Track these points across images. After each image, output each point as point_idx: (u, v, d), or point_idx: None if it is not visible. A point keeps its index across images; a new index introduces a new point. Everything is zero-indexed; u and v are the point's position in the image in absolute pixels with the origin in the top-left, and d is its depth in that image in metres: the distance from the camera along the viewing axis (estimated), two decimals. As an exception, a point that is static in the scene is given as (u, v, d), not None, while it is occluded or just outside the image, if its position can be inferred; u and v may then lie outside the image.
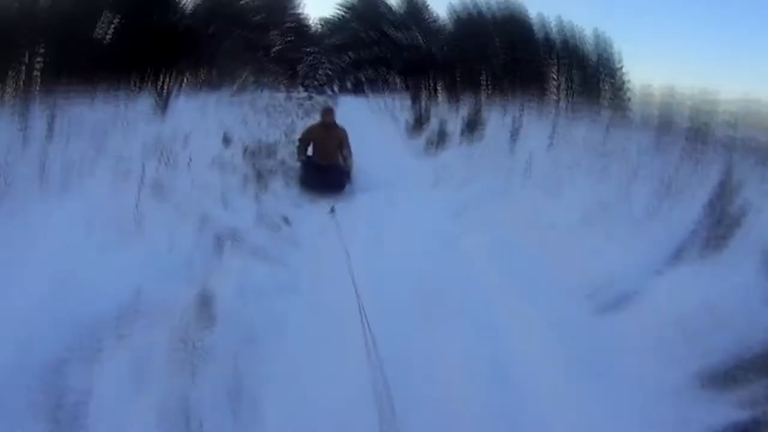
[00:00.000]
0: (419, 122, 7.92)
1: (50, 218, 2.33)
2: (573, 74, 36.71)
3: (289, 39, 29.38)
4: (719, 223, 2.21)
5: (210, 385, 1.43)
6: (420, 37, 28.12)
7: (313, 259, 2.74)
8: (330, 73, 26.60)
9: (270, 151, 5.61)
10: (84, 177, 3.26)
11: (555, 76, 35.63)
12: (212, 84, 20.37)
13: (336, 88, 23.17)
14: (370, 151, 5.63)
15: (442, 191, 4.37)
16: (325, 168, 4.19)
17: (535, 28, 37.66)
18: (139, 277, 1.94)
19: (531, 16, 35.55)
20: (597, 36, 35.16)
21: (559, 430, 1.31)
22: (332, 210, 3.65)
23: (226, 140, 5.53)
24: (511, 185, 4.14)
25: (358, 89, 24.85)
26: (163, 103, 9.18)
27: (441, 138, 6.87)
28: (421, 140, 7.06)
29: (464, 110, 9.85)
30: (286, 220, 3.52)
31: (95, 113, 9.47)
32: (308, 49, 28.81)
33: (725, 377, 1.40)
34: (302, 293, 2.24)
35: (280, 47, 29.19)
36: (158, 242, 2.33)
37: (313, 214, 3.84)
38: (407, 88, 23.95)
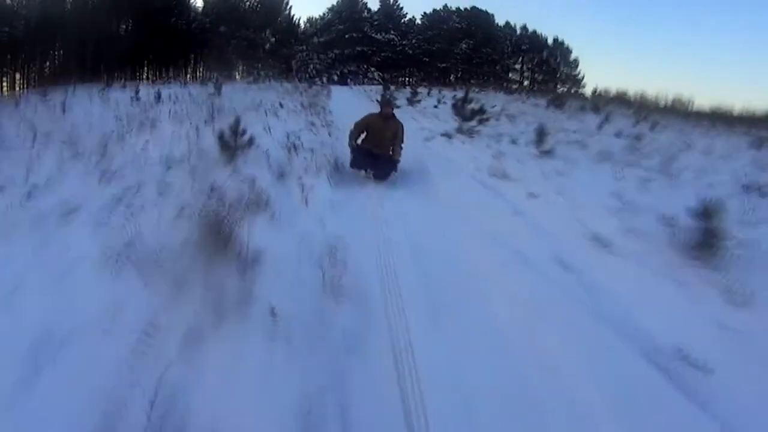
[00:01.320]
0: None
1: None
2: (529, 68, 42.50)
3: (281, 38, 34.56)
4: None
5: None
6: (394, 37, 33.81)
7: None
8: (319, 67, 31.99)
9: (312, 106, 10.94)
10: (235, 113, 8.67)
11: (512, 69, 41.37)
12: (227, 75, 25.62)
13: (325, 80, 28.61)
14: (352, 111, 11.06)
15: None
16: (376, 156, 4.38)
17: (500, 32, 43.63)
18: (296, 127, 7.24)
19: (498, 23, 41.04)
20: (556, 42, 41.32)
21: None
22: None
23: (281, 105, 10.92)
24: (415, 118, 9.80)
25: (342, 80, 30.41)
26: (218, 86, 14.49)
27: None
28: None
29: (418, 92, 15.62)
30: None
31: (167, 91, 14.86)
32: (299, 47, 34.10)
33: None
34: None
35: (275, 45, 34.33)
36: (294, 124, 7.67)
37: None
38: (382, 79, 29.50)
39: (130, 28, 30.71)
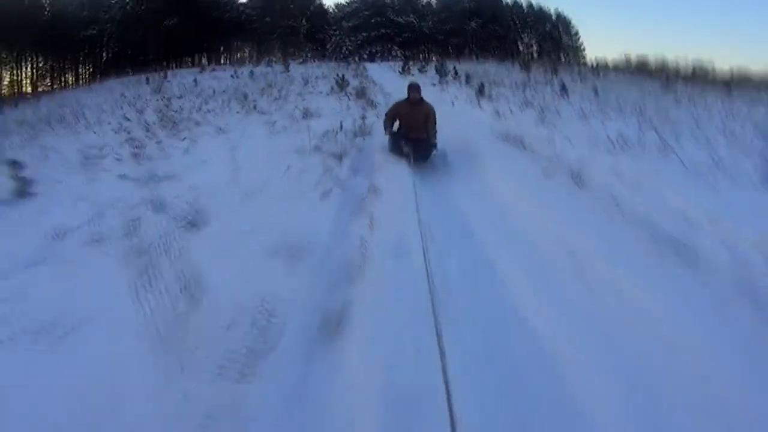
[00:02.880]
0: (403, 69, 20.08)
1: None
2: (536, 41, 49.45)
3: (314, 23, 41.34)
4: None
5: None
6: (413, 20, 40.27)
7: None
8: (350, 48, 38.72)
9: (360, 73, 17.80)
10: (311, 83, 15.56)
11: (519, 43, 48.31)
12: (276, 58, 32.79)
13: (357, 58, 35.34)
14: (382, 79, 17.76)
15: (405, 80, 16.56)
16: (412, 141, 4.41)
17: (506, 10, 50.32)
18: (358, 81, 14.13)
19: (506, 1, 47.72)
20: (559, 16, 48.53)
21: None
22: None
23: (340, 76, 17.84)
24: (419, 78, 16.58)
25: (370, 58, 37.11)
26: (286, 65, 21.54)
27: (407, 72, 19.20)
28: (402, 75, 19.30)
29: (426, 64, 22.34)
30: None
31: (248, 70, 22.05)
32: (331, 31, 40.82)
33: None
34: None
35: (310, 30, 41.17)
36: (356, 81, 14.54)
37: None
38: (404, 56, 35.99)
39: (186, 23, 38.09)
